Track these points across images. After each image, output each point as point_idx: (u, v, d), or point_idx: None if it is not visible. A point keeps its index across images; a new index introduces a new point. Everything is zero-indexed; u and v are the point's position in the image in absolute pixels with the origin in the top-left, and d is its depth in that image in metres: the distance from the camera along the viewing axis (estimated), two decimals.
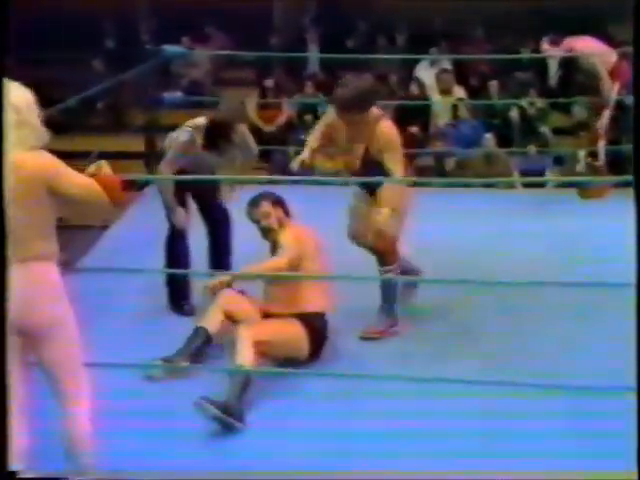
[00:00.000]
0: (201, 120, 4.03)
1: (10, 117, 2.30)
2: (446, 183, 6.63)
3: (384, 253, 3.87)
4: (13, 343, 2.40)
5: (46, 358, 2.48)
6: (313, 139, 3.90)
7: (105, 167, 2.56)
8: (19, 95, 2.40)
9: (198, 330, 3.52)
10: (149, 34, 7.29)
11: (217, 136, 3.94)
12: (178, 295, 4.11)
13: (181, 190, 4.06)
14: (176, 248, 4.07)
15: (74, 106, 5.44)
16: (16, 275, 2.34)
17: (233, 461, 2.95)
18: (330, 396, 3.32)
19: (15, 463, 2.42)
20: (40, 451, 2.50)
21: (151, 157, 6.01)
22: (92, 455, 2.52)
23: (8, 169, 2.22)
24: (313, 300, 3.57)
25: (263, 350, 3.36)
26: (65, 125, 7.52)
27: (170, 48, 7.86)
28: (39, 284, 2.44)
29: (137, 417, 3.12)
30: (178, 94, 8.23)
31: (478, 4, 8.88)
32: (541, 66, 8.67)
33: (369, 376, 3.43)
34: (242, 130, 4.10)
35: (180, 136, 4.00)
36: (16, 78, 2.45)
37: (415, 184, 4.63)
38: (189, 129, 4.00)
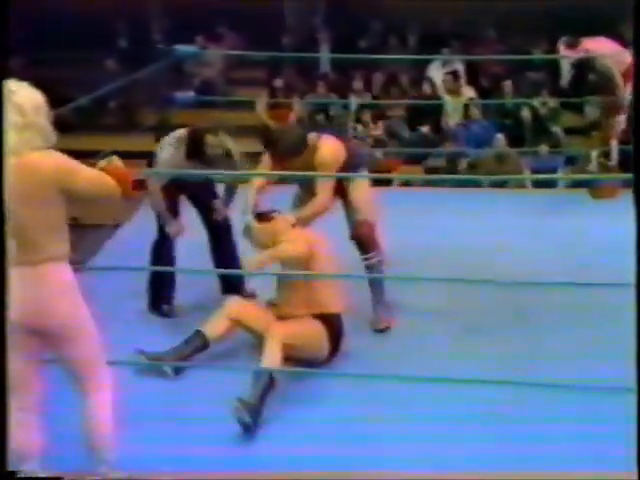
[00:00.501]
0: (182, 132, 4.00)
1: (15, 119, 2.30)
2: (454, 181, 6.62)
3: (365, 242, 3.95)
4: (28, 343, 2.43)
5: (66, 356, 2.50)
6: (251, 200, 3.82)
7: (116, 162, 2.56)
8: (25, 96, 2.36)
9: (197, 333, 3.54)
10: (161, 34, 7.33)
11: (199, 146, 3.90)
12: (159, 297, 4.13)
13: (174, 200, 4.07)
14: (163, 252, 4.09)
15: (86, 105, 5.47)
16: (30, 277, 2.39)
17: (249, 464, 2.94)
18: (347, 399, 3.31)
19: (28, 462, 2.45)
20: (55, 451, 2.53)
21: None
22: (112, 448, 2.53)
23: (19, 171, 2.30)
24: (331, 300, 3.58)
25: (289, 352, 3.37)
26: (77, 124, 7.57)
27: (182, 48, 7.89)
28: (53, 285, 2.45)
29: (152, 419, 3.11)
30: (190, 94, 8.25)
31: (490, 4, 8.86)
32: (553, 66, 8.64)
33: (380, 377, 3.42)
34: (223, 139, 3.99)
35: (162, 153, 3.97)
36: (28, 77, 2.46)
37: (426, 183, 4.65)
38: (171, 143, 3.97)
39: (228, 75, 9.02)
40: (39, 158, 2.38)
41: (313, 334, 3.51)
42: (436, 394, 3.23)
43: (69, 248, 2.48)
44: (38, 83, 2.47)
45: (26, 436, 2.49)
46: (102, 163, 2.55)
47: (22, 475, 2.38)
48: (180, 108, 7.12)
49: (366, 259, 3.99)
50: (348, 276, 3.96)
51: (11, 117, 2.28)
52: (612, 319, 3.65)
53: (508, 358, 3.57)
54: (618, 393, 2.80)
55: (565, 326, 3.92)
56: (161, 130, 6.38)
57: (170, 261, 4.09)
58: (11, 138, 2.25)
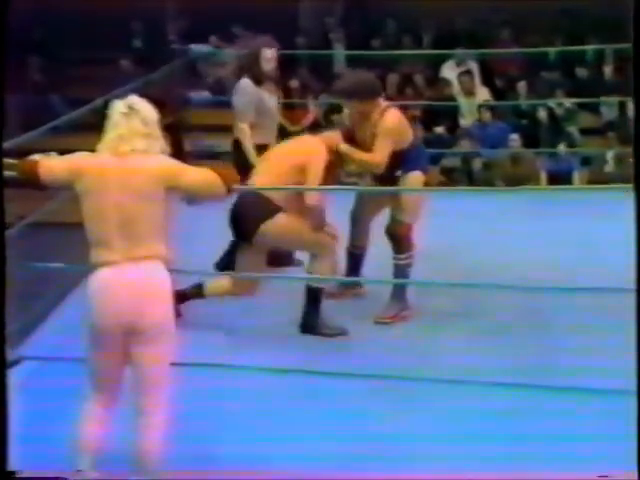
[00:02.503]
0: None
1: (139, 128, 2.53)
2: (465, 189, 6.61)
3: (400, 242, 4.01)
4: (121, 343, 2.48)
5: (142, 359, 2.50)
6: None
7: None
8: (147, 109, 2.59)
9: None
10: (176, 34, 7.36)
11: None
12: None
13: None
14: None
15: (102, 106, 5.49)
16: (132, 274, 2.47)
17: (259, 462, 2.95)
18: (356, 395, 3.32)
19: (85, 458, 2.48)
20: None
21: (178, 156, 6.04)
22: (158, 467, 2.51)
23: (131, 170, 2.49)
24: None
25: None
26: (93, 124, 7.59)
27: (197, 47, 7.91)
28: (157, 283, 2.51)
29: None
30: (205, 93, 8.26)
31: (504, 4, 8.83)
32: (568, 66, 8.61)
33: (394, 376, 3.42)
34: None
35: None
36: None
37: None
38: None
39: (242, 75, 9.02)
40: (149, 159, 2.54)
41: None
42: (450, 394, 3.23)
43: (168, 249, 2.55)
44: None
45: (97, 432, 2.54)
46: (36, 156, 2.64)
47: (22, 475, 2.39)
48: (195, 108, 7.14)
49: (397, 259, 4.03)
50: (371, 281, 3.95)
51: (137, 126, 2.54)
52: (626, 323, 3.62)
53: (521, 361, 3.57)
54: (625, 395, 2.79)
55: (579, 329, 3.90)
56: (176, 130, 6.43)
57: None
58: (135, 144, 2.53)
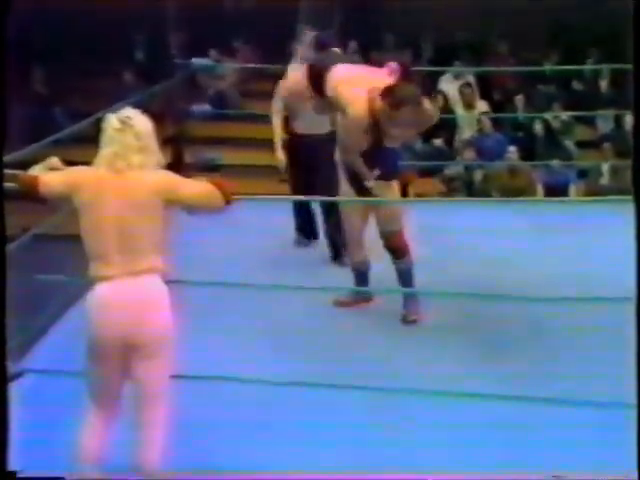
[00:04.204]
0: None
1: (133, 143, 2.51)
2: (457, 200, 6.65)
3: (397, 250, 4.10)
4: (122, 357, 2.49)
5: (142, 373, 2.51)
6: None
7: (55, 162, 2.65)
8: (141, 123, 2.56)
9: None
10: (177, 47, 7.41)
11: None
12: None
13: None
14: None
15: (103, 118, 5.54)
16: (130, 288, 2.48)
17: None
18: (353, 406, 3.34)
19: (88, 466, 2.52)
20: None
21: (178, 169, 6.11)
22: (159, 475, 2.53)
23: (129, 184, 2.49)
24: None
25: None
26: (95, 137, 7.64)
27: (198, 61, 7.98)
28: (156, 296, 2.52)
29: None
30: (206, 106, 8.32)
31: (502, 18, 8.91)
32: (564, 79, 8.69)
33: (393, 390, 3.45)
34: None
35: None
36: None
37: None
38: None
39: (243, 88, 9.10)
40: (147, 174, 2.54)
41: None
42: (449, 407, 3.26)
43: (166, 263, 2.56)
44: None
45: (96, 445, 2.56)
46: (36, 168, 2.64)
47: (22, 475, 2.41)
48: (196, 121, 7.20)
49: (397, 263, 4.14)
50: (377, 290, 4.01)
51: (130, 142, 2.51)
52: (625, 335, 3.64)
53: (522, 373, 3.59)
54: (624, 407, 2.82)
55: (580, 342, 3.92)
56: (177, 142, 6.49)
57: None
58: (130, 160, 2.51)
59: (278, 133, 4.99)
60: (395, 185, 4.14)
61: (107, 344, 2.47)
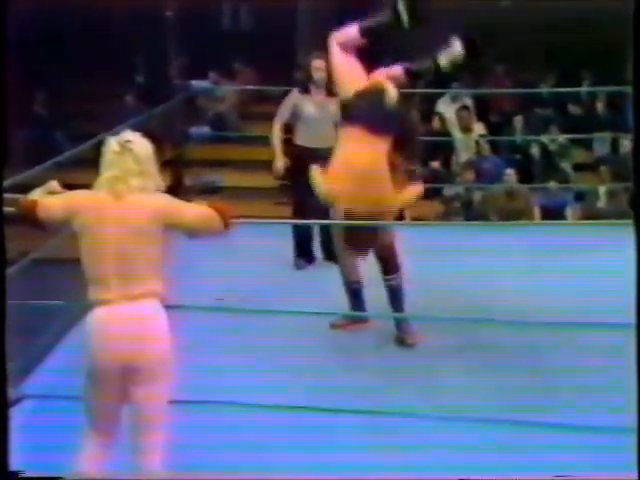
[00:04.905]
0: None
1: (132, 167, 2.52)
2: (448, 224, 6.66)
3: (387, 263, 4.11)
4: (119, 382, 2.50)
5: (141, 398, 2.51)
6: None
7: (54, 186, 2.66)
8: (141, 147, 2.59)
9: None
10: (177, 69, 7.46)
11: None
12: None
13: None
14: None
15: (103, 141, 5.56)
16: (128, 312, 2.48)
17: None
18: (354, 430, 3.35)
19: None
20: None
21: (178, 191, 6.14)
22: None
23: (128, 208, 2.50)
24: None
25: None
26: (95, 160, 7.67)
27: (197, 83, 8.03)
28: (154, 321, 2.52)
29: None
30: (205, 129, 8.36)
31: (498, 39, 8.98)
32: (561, 102, 8.74)
33: (391, 412, 3.46)
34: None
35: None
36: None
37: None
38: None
39: (243, 110, 9.15)
40: (146, 197, 2.55)
41: None
42: (445, 430, 3.27)
43: (164, 287, 2.56)
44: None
45: (95, 465, 2.56)
46: (37, 192, 2.64)
47: (22, 475, 2.42)
48: (196, 143, 7.23)
49: (387, 280, 4.13)
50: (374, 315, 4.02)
51: (130, 166, 2.53)
52: (621, 358, 3.64)
53: (518, 396, 3.59)
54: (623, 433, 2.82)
55: (576, 365, 3.91)
56: (177, 165, 6.52)
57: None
58: (130, 183, 2.53)
59: (277, 138, 5.16)
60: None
61: (105, 369, 2.48)
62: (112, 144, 2.57)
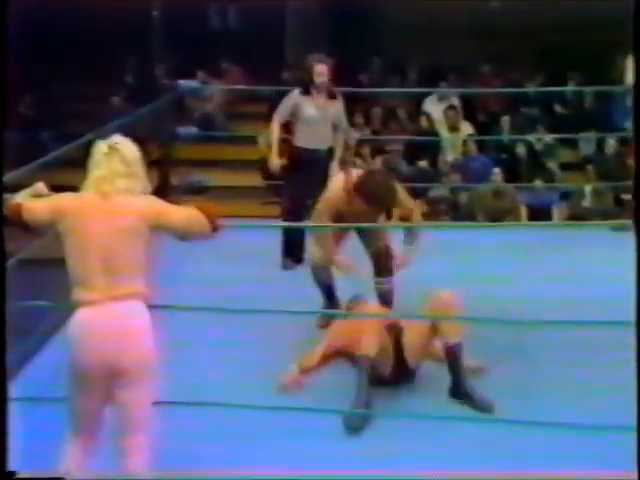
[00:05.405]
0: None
1: (120, 168, 2.54)
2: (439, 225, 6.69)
3: (382, 267, 4.15)
4: (103, 383, 2.50)
5: (125, 400, 2.51)
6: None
7: (41, 188, 2.66)
8: (129, 149, 2.61)
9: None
10: (165, 69, 7.46)
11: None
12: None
13: None
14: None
15: (90, 142, 5.56)
16: (112, 313, 2.48)
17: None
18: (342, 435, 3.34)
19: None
20: None
21: (165, 191, 6.14)
22: None
23: (115, 210, 2.51)
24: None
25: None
26: (82, 160, 7.65)
27: (185, 83, 8.02)
28: (139, 322, 2.52)
29: None
30: (193, 129, 8.36)
31: (486, 40, 9.03)
32: (547, 102, 8.79)
33: (383, 414, 3.46)
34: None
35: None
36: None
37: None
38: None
39: (231, 109, 9.14)
40: (133, 199, 2.56)
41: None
42: (446, 429, 3.28)
43: (149, 288, 2.57)
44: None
45: (78, 467, 2.56)
46: (21, 194, 2.63)
47: (22, 475, 2.42)
48: (183, 143, 7.23)
49: (378, 282, 4.17)
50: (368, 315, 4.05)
51: (117, 167, 2.55)
52: (615, 356, 3.66)
53: (508, 395, 3.59)
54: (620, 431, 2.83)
55: (567, 363, 3.93)
56: (164, 165, 6.52)
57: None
58: (117, 184, 2.54)
59: (276, 136, 5.17)
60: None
61: (89, 370, 2.47)
62: (101, 145, 2.60)
